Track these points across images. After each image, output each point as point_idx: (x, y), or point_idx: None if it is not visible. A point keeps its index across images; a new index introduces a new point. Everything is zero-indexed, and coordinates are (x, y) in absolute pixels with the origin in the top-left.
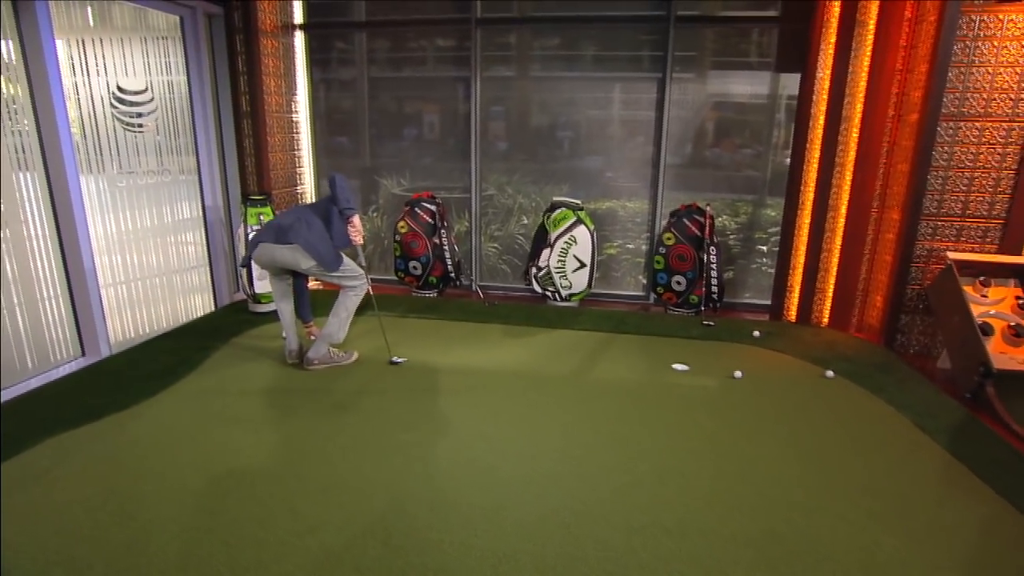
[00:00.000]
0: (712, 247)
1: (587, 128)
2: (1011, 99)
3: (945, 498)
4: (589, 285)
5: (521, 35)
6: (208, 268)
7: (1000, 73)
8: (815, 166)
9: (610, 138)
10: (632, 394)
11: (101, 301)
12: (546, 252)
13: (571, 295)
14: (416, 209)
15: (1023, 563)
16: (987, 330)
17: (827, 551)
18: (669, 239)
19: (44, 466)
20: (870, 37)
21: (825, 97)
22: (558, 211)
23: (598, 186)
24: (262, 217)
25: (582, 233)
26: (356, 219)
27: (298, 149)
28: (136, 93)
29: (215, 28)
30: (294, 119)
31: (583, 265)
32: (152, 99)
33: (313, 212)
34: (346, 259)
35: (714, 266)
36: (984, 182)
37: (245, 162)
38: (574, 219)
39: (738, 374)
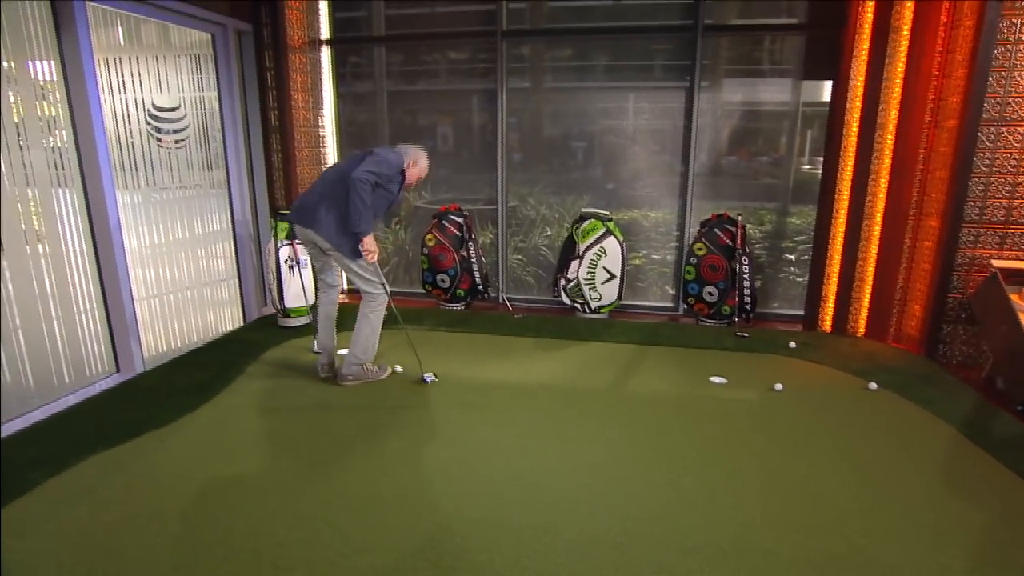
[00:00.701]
0: (744, 257)
1: (608, 138)
2: None
3: (1008, 515)
4: (619, 297)
5: (543, 47)
6: (237, 281)
7: None
8: (849, 174)
9: (632, 148)
10: (671, 408)
11: (136, 316)
12: (575, 264)
13: (600, 307)
14: (444, 222)
15: None
16: None
17: (890, 574)
18: (700, 249)
19: (88, 485)
20: (904, 42)
21: (859, 104)
22: (587, 222)
23: (619, 196)
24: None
25: (611, 244)
26: (367, 240)
27: (324, 163)
28: (170, 110)
29: (245, 45)
30: (321, 133)
31: (613, 277)
32: (185, 115)
33: (340, 184)
34: (369, 263)
35: (747, 276)
36: None
37: (273, 176)
38: (603, 230)
39: (779, 387)
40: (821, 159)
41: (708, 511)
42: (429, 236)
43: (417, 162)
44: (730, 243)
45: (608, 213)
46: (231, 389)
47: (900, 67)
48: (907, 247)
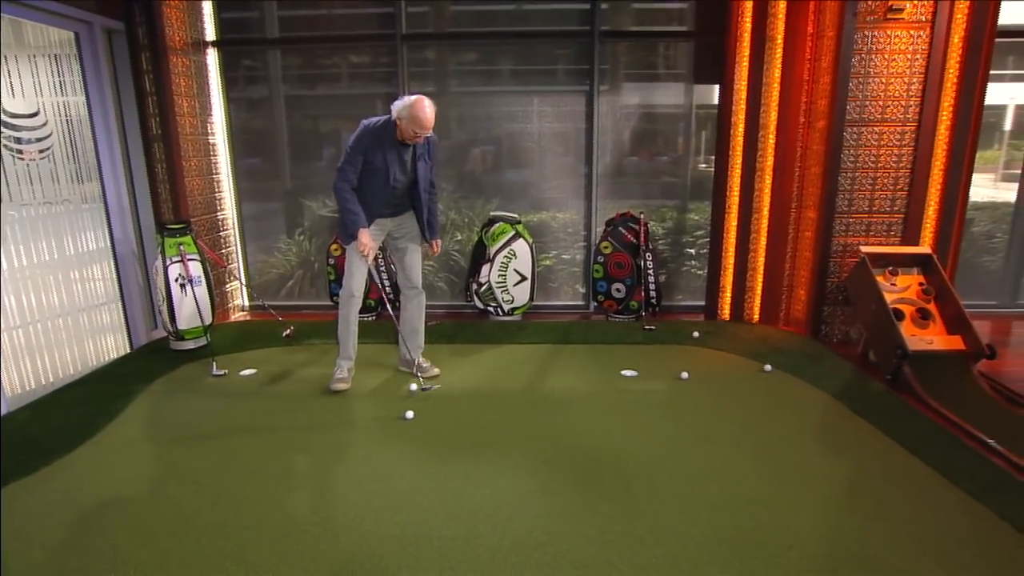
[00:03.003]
0: (648, 253)
1: (514, 142)
2: (902, 105)
3: (889, 477)
4: (531, 298)
5: (446, 50)
6: (120, 304)
7: (892, 83)
8: (739, 172)
9: (538, 151)
10: (587, 404)
11: None
12: (486, 267)
13: (513, 309)
14: None
15: (964, 530)
16: (898, 315)
17: (792, 540)
18: (607, 248)
19: None
20: (779, 50)
21: (744, 107)
22: (496, 226)
23: (527, 199)
24: (182, 247)
25: (521, 247)
26: (360, 236)
27: (216, 173)
28: (27, 116)
29: (117, 45)
30: (210, 141)
31: (524, 278)
32: (46, 122)
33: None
34: (349, 257)
35: (651, 272)
36: (885, 181)
37: (158, 189)
38: (512, 233)
39: (685, 375)
40: (713, 158)
41: (626, 502)
42: (335, 246)
43: (404, 112)
44: (634, 241)
45: (517, 216)
46: (118, 423)
47: (776, 72)
48: (791, 237)
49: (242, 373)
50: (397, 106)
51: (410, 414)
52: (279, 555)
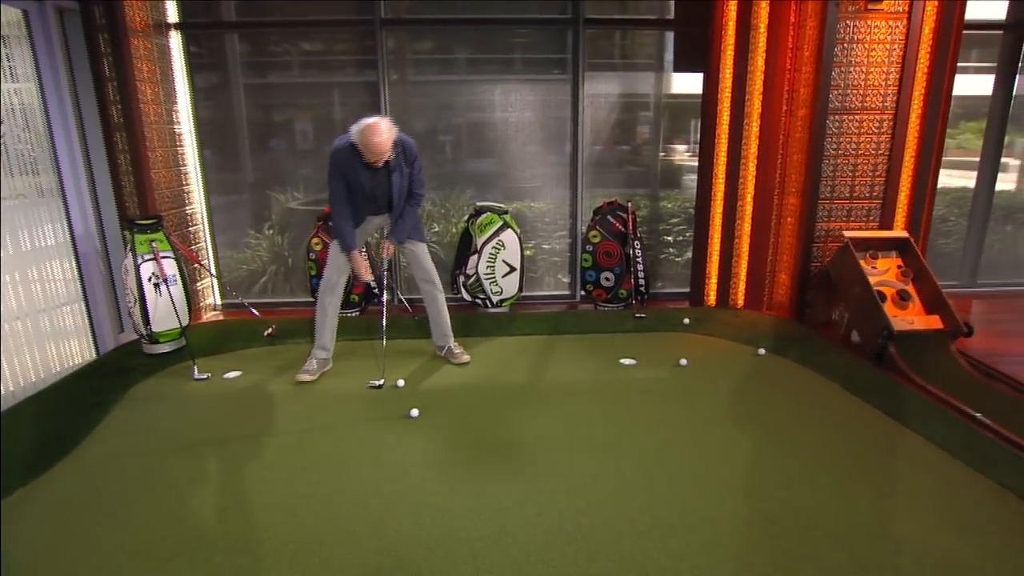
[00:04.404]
0: (636, 241)
1: (491, 131)
2: (881, 94)
3: (893, 452)
4: (519, 289)
5: (428, 37)
6: (84, 306)
7: (871, 72)
8: (723, 159)
9: (516, 140)
10: (592, 395)
11: None
12: (473, 259)
13: (502, 300)
14: (330, 223)
15: (971, 500)
16: (880, 297)
17: (815, 519)
18: (595, 237)
19: None
20: (763, 39)
21: (729, 95)
22: (483, 216)
23: (505, 188)
24: (155, 244)
25: (510, 237)
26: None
27: (184, 164)
28: None
29: (70, 26)
30: (176, 131)
31: (513, 269)
32: None
33: None
34: (333, 250)
35: (640, 260)
36: (865, 168)
37: (121, 181)
38: (500, 223)
39: (684, 361)
40: (684, 147)
41: (650, 491)
42: (316, 240)
43: (358, 139)
44: (623, 229)
45: (504, 206)
46: (98, 435)
47: (760, 61)
48: (774, 224)
49: (227, 376)
50: (353, 131)
51: (415, 412)
52: (302, 570)
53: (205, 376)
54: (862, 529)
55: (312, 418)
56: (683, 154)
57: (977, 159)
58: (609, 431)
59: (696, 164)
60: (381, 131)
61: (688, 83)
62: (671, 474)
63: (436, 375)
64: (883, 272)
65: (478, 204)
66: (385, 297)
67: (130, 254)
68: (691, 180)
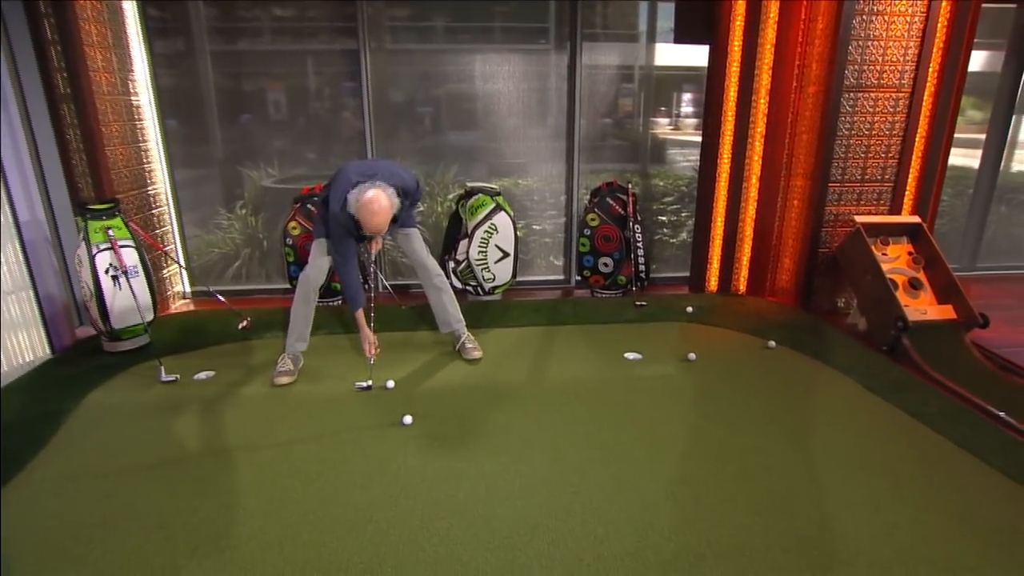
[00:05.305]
0: (636, 225)
1: (475, 103)
2: (898, 71)
3: (925, 460)
4: (513, 275)
5: (409, 5)
6: (34, 301)
7: (890, 47)
8: (730, 137)
9: (501, 113)
10: (598, 395)
11: None
12: (464, 243)
13: (495, 287)
14: (308, 206)
15: (1017, 518)
16: (892, 286)
17: (854, 543)
18: (593, 220)
19: None
20: (774, 10)
21: (737, 69)
22: (474, 198)
23: (485, 163)
24: (111, 232)
25: (503, 220)
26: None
27: (144, 140)
28: None
29: None
30: (134, 102)
31: (506, 255)
32: None
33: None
34: (318, 245)
35: (640, 244)
36: (878, 148)
37: (72, 160)
38: (493, 206)
39: (692, 356)
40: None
41: (673, 512)
42: (293, 224)
43: (356, 214)
44: (622, 212)
45: (496, 187)
46: (50, 451)
47: (771, 34)
48: (779, 206)
49: (197, 377)
50: (351, 203)
51: (408, 419)
52: None
53: (173, 378)
54: (908, 555)
55: (294, 428)
56: (676, 128)
57: (971, 136)
58: (622, 440)
59: (686, 139)
60: (381, 208)
61: (679, 55)
62: (695, 492)
63: (429, 373)
64: (894, 259)
65: (468, 184)
66: (371, 287)
67: (83, 243)
68: (681, 155)
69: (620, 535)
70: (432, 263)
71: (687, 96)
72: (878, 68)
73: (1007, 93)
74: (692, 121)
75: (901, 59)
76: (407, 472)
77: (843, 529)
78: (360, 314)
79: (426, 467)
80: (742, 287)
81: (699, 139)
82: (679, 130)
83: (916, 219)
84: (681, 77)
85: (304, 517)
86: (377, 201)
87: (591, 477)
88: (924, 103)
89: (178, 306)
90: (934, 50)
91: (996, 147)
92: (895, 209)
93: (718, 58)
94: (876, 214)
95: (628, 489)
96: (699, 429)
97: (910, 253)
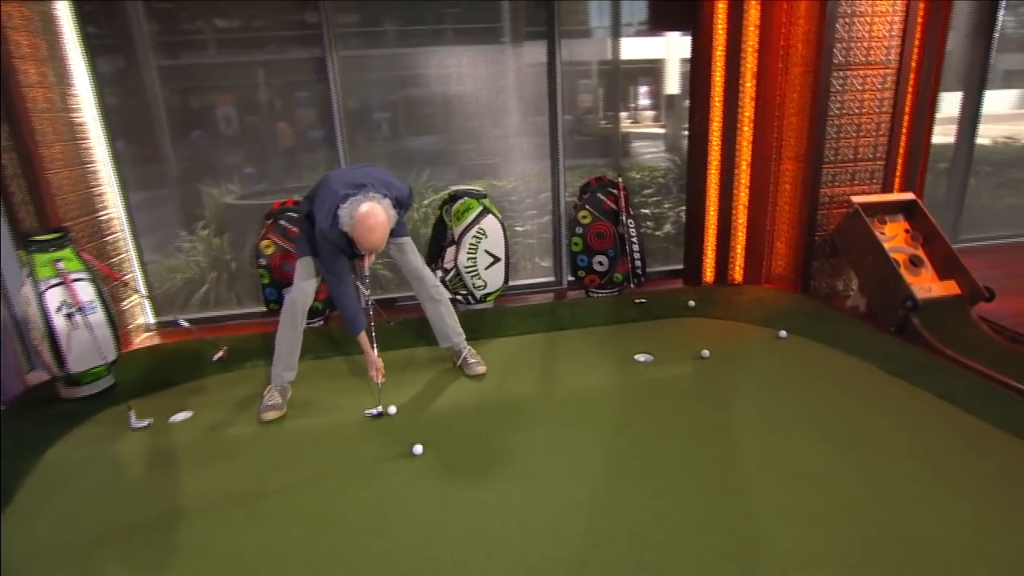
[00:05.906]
0: (629, 220)
1: (441, 105)
2: (885, 47)
3: (970, 447)
4: (505, 281)
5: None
6: None
7: (876, 23)
8: (719, 124)
9: (472, 114)
10: (616, 403)
11: None
12: (451, 251)
13: (486, 295)
14: (281, 222)
15: None
16: (896, 265)
17: (923, 546)
18: (585, 218)
19: None
20: None
21: (723, 53)
22: (460, 202)
23: (457, 167)
24: (61, 265)
25: (491, 224)
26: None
27: (91, 162)
28: None
29: None
30: (76, 120)
31: (497, 260)
32: None
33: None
34: (302, 265)
35: (634, 239)
36: (869, 127)
37: (8, 186)
38: (480, 209)
39: (705, 353)
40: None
41: (726, 528)
42: (266, 242)
43: (350, 231)
44: (614, 207)
45: (482, 190)
46: (6, 520)
47: (755, 15)
48: (771, 191)
49: (174, 419)
50: (343, 219)
51: (418, 449)
52: None
53: (146, 423)
54: (978, 555)
55: (292, 470)
56: (646, 122)
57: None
58: (653, 452)
59: (655, 131)
60: (379, 223)
61: (642, 48)
62: (744, 504)
63: (433, 395)
64: (892, 237)
65: (452, 189)
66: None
67: (28, 280)
68: (654, 148)
69: (676, 561)
70: (428, 273)
71: (643, 89)
72: (865, 45)
73: (979, 66)
74: (650, 114)
75: (887, 35)
76: (427, 510)
77: (912, 531)
78: (363, 337)
79: (447, 502)
80: (738, 276)
81: (664, 131)
82: (640, 123)
83: (911, 196)
84: (640, 71)
85: (322, 557)
86: (373, 216)
87: (629, 497)
88: (908, 80)
89: (142, 339)
90: (916, 26)
91: (971, 121)
92: (887, 188)
93: (701, 44)
94: (870, 193)
95: (672, 507)
96: (731, 432)
97: (907, 230)
